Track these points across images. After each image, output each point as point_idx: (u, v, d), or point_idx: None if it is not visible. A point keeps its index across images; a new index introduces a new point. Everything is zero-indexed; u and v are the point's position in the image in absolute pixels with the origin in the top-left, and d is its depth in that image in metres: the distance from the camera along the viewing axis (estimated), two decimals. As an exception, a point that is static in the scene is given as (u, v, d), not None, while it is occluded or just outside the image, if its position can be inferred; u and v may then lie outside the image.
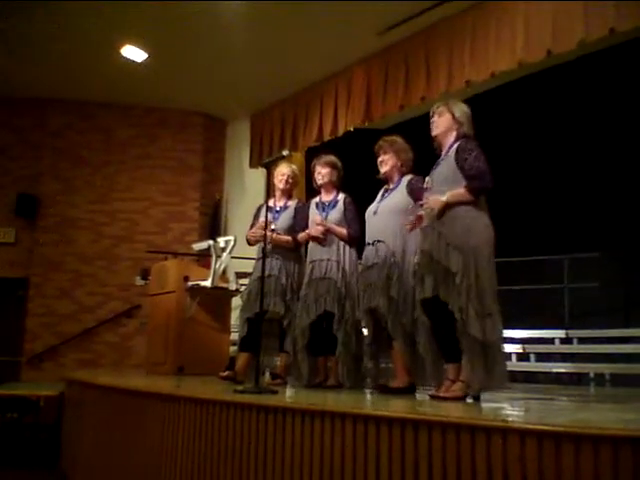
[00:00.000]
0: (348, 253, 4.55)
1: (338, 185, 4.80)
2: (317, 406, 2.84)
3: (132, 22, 6.89)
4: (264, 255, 4.28)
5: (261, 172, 8.35)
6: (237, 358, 4.93)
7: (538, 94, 7.99)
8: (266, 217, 4.25)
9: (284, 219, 4.92)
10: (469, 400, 3.35)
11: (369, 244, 4.19)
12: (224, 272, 6.13)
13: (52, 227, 8.83)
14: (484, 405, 3.24)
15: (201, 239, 7.54)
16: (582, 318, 7.95)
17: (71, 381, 5.97)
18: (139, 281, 8.12)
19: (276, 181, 5.08)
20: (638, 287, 8.19)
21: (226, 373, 4.80)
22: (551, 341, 7.28)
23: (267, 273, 4.43)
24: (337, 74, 7.71)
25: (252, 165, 9.01)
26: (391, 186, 4.25)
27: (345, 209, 4.62)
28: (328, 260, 4.51)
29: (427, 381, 3.81)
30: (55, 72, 8.19)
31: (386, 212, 4.13)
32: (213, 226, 8.87)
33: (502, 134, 7.73)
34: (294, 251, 4.91)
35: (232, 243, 5.85)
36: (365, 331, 4.32)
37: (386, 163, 4.23)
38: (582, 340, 7.13)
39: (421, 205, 3.62)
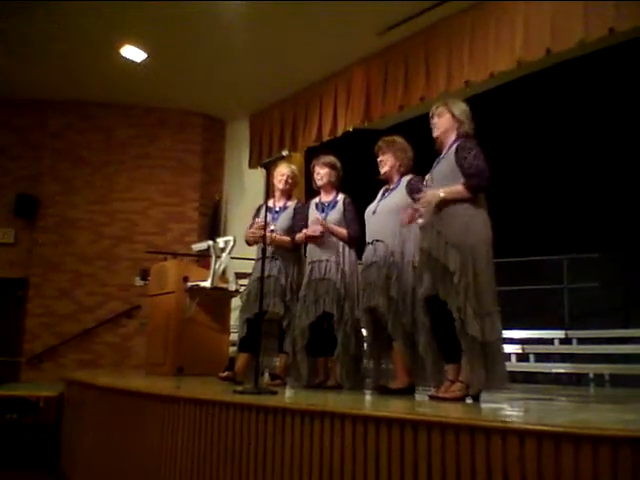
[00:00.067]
0: (348, 254, 4.55)
1: (337, 185, 4.79)
2: (317, 407, 2.84)
3: (132, 22, 6.89)
4: (264, 256, 4.27)
5: (260, 172, 8.33)
6: (237, 359, 4.93)
7: (537, 94, 7.99)
8: (265, 217, 4.24)
9: (283, 220, 4.91)
10: (468, 401, 3.34)
11: (368, 244, 4.20)
12: (224, 273, 6.13)
13: (52, 227, 8.82)
14: (483, 406, 3.24)
15: (200, 239, 7.53)
16: (582, 318, 7.95)
17: (71, 382, 5.97)
18: (139, 281, 8.11)
19: (275, 181, 5.07)
20: (638, 287, 8.19)
21: (226, 374, 4.80)
22: (550, 341, 7.28)
23: (267, 274, 4.43)
24: (337, 74, 7.71)
25: (251, 165, 9.01)
26: (391, 186, 4.25)
27: (345, 210, 4.62)
28: (327, 261, 4.51)
29: (427, 382, 3.81)
30: (55, 72, 8.19)
31: (385, 212, 4.13)
32: (212, 226, 8.86)
33: (502, 134, 7.73)
34: (294, 252, 4.91)
35: (231, 244, 5.85)
36: (364, 331, 4.32)
37: (385, 163, 4.24)
38: (581, 340, 7.14)
39: (418, 199, 3.63)
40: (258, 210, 5.15)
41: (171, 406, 3.68)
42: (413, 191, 4.03)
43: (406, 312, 3.93)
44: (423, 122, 3.90)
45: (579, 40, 5.23)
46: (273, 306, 4.67)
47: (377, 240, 4.11)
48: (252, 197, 8.28)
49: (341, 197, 4.71)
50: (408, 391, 3.91)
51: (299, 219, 4.85)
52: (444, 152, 3.68)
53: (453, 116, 3.69)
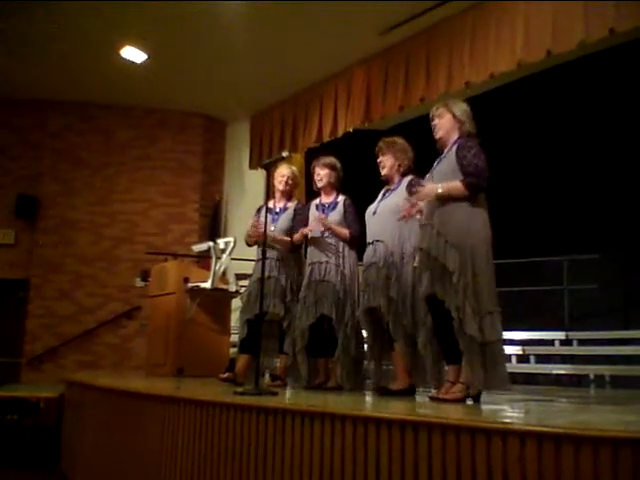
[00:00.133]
0: (348, 255, 4.55)
1: (338, 187, 4.79)
2: (317, 408, 2.84)
3: (132, 22, 6.89)
4: (264, 256, 4.27)
5: (261, 173, 8.33)
6: (237, 360, 4.93)
7: (538, 95, 7.99)
8: (265, 218, 4.24)
9: (283, 221, 4.91)
10: (469, 402, 3.34)
11: (369, 244, 4.20)
12: (224, 273, 6.14)
13: (52, 228, 8.83)
14: (484, 407, 3.24)
15: (201, 240, 7.53)
16: (582, 320, 7.95)
17: (71, 383, 5.96)
18: (139, 282, 8.10)
19: (276, 182, 5.07)
20: (638, 288, 8.17)
21: (226, 375, 4.79)
22: (551, 343, 7.28)
23: (267, 274, 4.43)
24: (337, 74, 7.71)
25: (252, 166, 9.00)
26: (392, 187, 4.25)
27: (345, 211, 4.62)
28: (327, 263, 4.51)
29: (427, 383, 3.81)
30: (55, 72, 8.20)
31: (385, 212, 4.13)
32: (213, 227, 8.86)
33: (502, 136, 7.72)
34: (294, 252, 4.91)
35: (232, 244, 5.85)
36: (364, 332, 4.31)
37: (385, 164, 4.24)
38: (582, 342, 7.13)
39: (416, 192, 3.63)
40: (258, 211, 5.14)
41: (171, 407, 3.68)
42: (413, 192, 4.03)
43: (406, 313, 3.93)
44: (424, 123, 3.89)
45: (580, 41, 5.23)
46: (273, 307, 4.67)
47: (377, 240, 4.11)
48: (252, 198, 8.29)
49: (341, 198, 4.71)
50: (408, 392, 3.91)
51: (299, 220, 4.84)
52: (445, 152, 3.68)
53: (454, 116, 3.68)
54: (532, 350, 7.21)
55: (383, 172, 4.25)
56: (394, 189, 4.21)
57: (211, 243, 6.00)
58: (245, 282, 5.53)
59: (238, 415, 3.17)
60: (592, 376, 6.54)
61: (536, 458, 2.09)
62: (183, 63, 7.77)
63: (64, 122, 9.11)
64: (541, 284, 8.30)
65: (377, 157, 4.29)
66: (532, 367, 7.09)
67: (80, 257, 8.79)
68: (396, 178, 4.24)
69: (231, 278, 6.39)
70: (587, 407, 3.71)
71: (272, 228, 4.72)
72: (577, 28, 5.22)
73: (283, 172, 5.03)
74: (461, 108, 3.71)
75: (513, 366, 6.90)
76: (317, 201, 4.81)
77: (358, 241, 4.57)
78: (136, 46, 7.42)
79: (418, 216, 3.76)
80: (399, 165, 4.23)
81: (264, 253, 4.28)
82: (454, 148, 3.58)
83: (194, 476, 3.40)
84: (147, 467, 3.86)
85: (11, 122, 9.12)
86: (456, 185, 3.46)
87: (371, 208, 4.27)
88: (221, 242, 5.98)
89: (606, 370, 6.45)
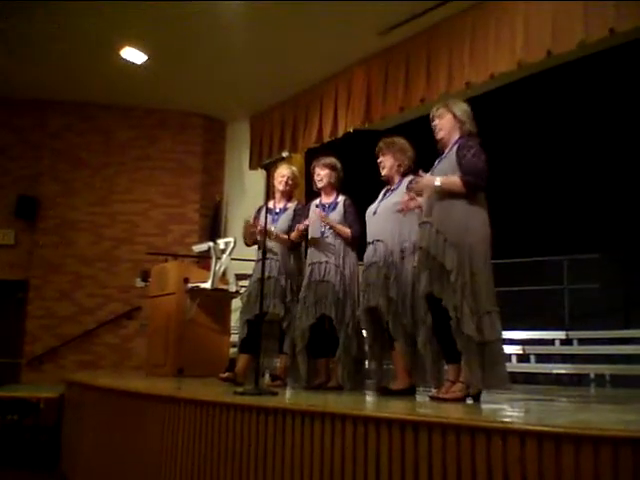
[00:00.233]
0: (347, 256, 4.55)
1: (338, 187, 4.79)
2: (317, 407, 2.84)
3: (132, 22, 6.89)
4: (264, 257, 4.28)
5: (261, 174, 8.33)
6: (237, 360, 4.93)
7: (538, 95, 7.99)
8: (265, 219, 4.24)
9: (283, 221, 4.91)
10: (469, 401, 3.34)
11: (369, 244, 4.20)
12: (224, 274, 6.13)
13: (52, 229, 8.82)
14: (484, 406, 3.24)
15: (201, 241, 7.53)
16: (582, 319, 7.95)
17: (71, 383, 5.97)
18: (139, 283, 8.10)
19: (276, 183, 5.07)
20: (638, 288, 8.18)
21: (226, 375, 4.79)
22: (551, 342, 7.28)
23: (267, 275, 4.43)
24: (337, 75, 7.70)
25: (252, 167, 9.00)
26: (392, 187, 4.25)
27: (345, 211, 4.62)
28: (327, 263, 4.51)
29: (427, 382, 3.81)
30: (55, 72, 8.19)
31: (386, 212, 4.13)
32: (213, 228, 8.86)
33: (502, 136, 7.72)
34: (294, 252, 4.91)
35: (232, 245, 5.85)
36: (365, 332, 4.32)
37: (385, 164, 4.24)
38: (582, 341, 7.13)
39: (415, 183, 3.64)
40: (258, 211, 5.14)
41: (171, 407, 3.68)
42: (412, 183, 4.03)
43: (406, 312, 3.93)
44: (424, 123, 3.89)
45: (580, 41, 5.23)
46: (273, 307, 4.67)
47: (377, 240, 4.11)
48: (252, 198, 8.28)
49: (341, 198, 4.71)
50: (409, 392, 3.91)
51: (299, 220, 4.84)
52: (446, 152, 3.68)
53: (454, 116, 3.68)
54: (532, 349, 7.21)
55: (383, 172, 4.26)
56: (394, 189, 4.21)
57: (211, 243, 6.00)
58: (245, 282, 5.53)
59: (238, 415, 3.17)
60: (592, 375, 6.53)
61: (536, 457, 2.09)
62: (183, 63, 7.76)
63: (64, 122, 9.10)
64: (541, 284, 8.30)
65: (377, 157, 4.29)
66: (532, 366, 7.09)
67: (80, 258, 8.79)
68: (396, 178, 4.24)
69: (231, 278, 6.39)
70: (587, 406, 3.70)
71: (272, 228, 4.72)
72: (577, 28, 5.21)
73: (283, 172, 5.03)
74: (461, 108, 3.72)
75: (513, 365, 6.89)
76: (317, 201, 4.81)
77: (358, 241, 4.57)
78: (136, 46, 7.41)
79: (417, 211, 3.77)
80: (399, 165, 4.23)
81: (264, 253, 4.28)
82: (455, 148, 3.59)
83: (194, 476, 3.40)
84: (147, 467, 3.86)
85: (11, 122, 9.10)
86: (454, 180, 3.47)
87: (371, 208, 4.27)
88: (221, 242, 5.98)
89: (606, 369, 6.45)
